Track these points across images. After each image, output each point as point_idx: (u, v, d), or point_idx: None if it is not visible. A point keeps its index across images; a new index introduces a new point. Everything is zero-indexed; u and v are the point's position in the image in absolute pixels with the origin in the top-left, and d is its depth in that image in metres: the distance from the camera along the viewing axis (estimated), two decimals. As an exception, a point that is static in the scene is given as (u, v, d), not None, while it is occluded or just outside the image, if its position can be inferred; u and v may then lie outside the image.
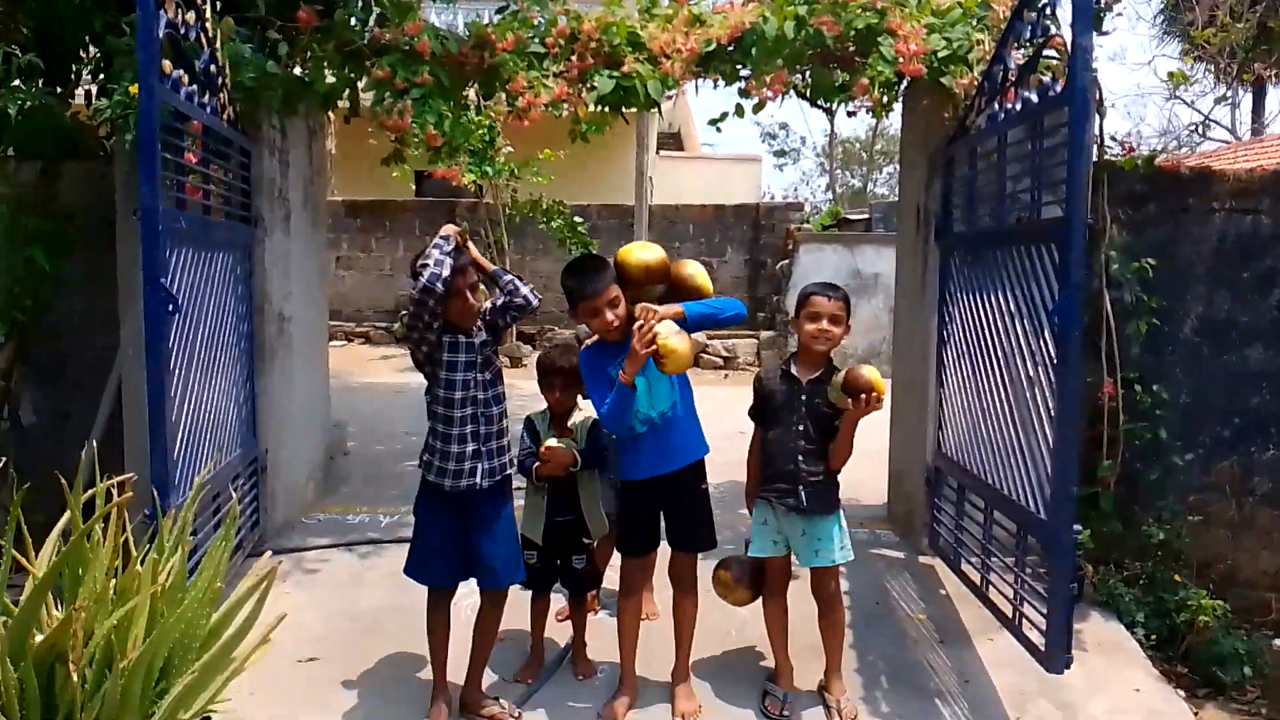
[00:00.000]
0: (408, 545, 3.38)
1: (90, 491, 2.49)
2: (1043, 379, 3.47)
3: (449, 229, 3.18)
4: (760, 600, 3.58)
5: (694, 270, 3.46)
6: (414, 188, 15.26)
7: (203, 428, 3.89)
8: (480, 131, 9.35)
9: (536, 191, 11.71)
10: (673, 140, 20.51)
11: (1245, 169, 4.83)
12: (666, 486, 3.33)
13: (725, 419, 4.81)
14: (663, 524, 3.43)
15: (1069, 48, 3.21)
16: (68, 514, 2.43)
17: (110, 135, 4.52)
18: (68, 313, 5.07)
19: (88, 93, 5.02)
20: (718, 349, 12.74)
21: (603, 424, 3.33)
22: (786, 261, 13.11)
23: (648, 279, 3.27)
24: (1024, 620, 3.52)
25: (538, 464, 3.48)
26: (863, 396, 3.14)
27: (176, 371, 3.54)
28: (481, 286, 3.29)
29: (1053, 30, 3.66)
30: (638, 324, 3.01)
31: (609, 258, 3.33)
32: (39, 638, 2.19)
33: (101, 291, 4.81)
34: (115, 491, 2.46)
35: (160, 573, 2.42)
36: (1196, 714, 3.86)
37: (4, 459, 4.23)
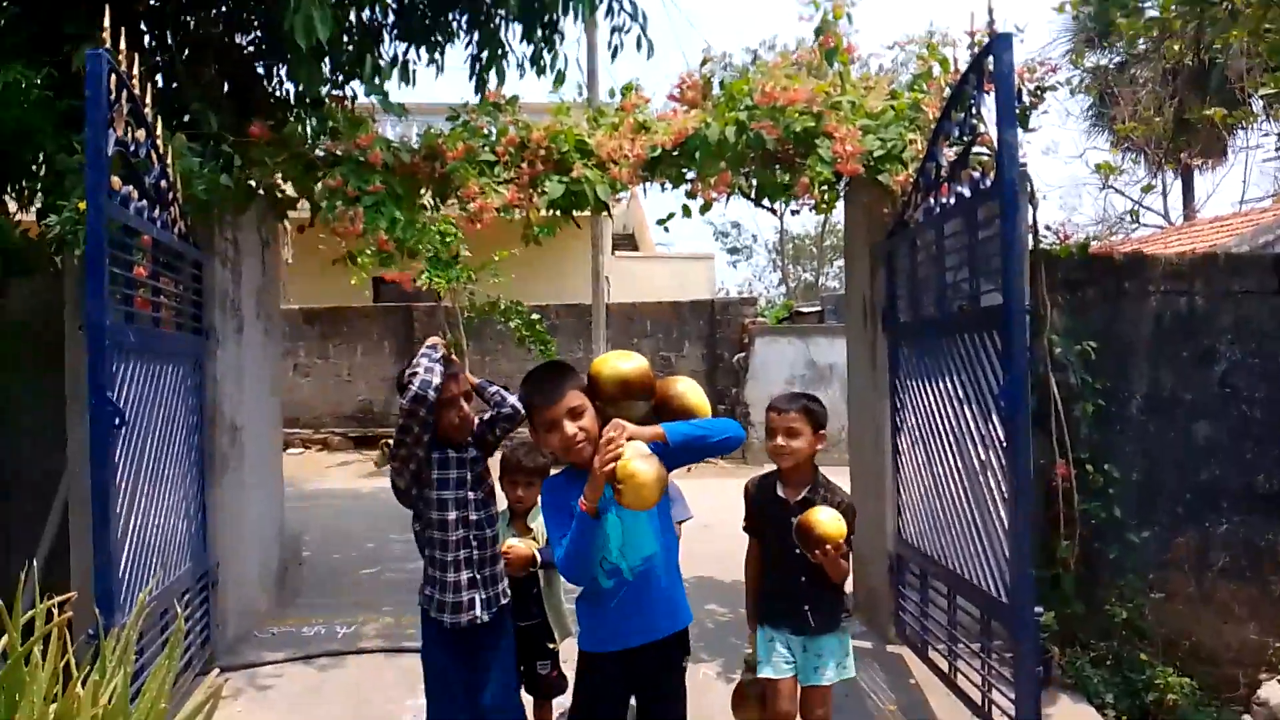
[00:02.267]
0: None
1: (30, 612, 2.41)
2: (994, 462, 3.51)
3: (435, 339, 3.06)
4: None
5: (685, 388, 2.81)
6: (371, 294, 15.35)
7: (150, 543, 3.79)
8: (437, 236, 9.47)
9: (494, 292, 11.82)
10: (628, 241, 20.91)
11: (1177, 253, 5.02)
12: (639, 663, 2.61)
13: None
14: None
15: (996, 144, 3.35)
16: (5, 636, 2.34)
17: (59, 251, 4.51)
18: (15, 432, 4.96)
19: (39, 210, 5.02)
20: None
21: (560, 571, 2.67)
22: (743, 354, 13.29)
23: (625, 394, 2.64)
24: (993, 707, 3.48)
25: (497, 566, 3.39)
26: (816, 552, 2.99)
27: (123, 486, 3.46)
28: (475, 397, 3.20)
29: (980, 128, 3.81)
30: (604, 439, 2.42)
31: (573, 363, 2.97)
32: (-29, 771, 2.09)
33: (51, 410, 4.71)
34: (56, 611, 2.38)
35: (102, 695, 2.32)
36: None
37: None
